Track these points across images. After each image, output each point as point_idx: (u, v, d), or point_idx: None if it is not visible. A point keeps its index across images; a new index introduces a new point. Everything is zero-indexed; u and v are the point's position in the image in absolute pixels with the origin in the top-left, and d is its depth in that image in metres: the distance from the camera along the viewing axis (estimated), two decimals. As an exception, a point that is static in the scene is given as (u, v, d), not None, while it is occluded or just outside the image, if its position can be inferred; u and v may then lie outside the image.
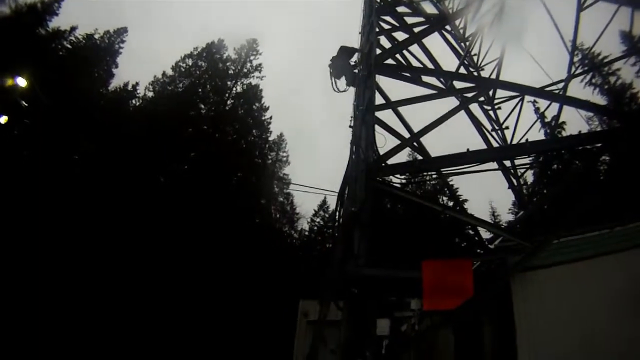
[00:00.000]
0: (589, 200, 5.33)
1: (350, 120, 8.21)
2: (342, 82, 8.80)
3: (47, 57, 26.30)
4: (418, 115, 8.26)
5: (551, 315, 5.34)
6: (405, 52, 10.00)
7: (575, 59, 11.06)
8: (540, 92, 8.70)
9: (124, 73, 49.14)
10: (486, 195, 38.71)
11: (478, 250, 11.60)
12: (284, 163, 37.04)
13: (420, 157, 8.91)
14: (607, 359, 4.85)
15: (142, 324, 18.26)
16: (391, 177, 7.40)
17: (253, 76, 35.67)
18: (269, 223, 32.25)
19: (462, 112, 8.52)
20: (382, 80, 8.07)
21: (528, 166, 11.66)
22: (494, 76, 11.05)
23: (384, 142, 7.15)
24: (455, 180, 18.77)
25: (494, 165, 9.05)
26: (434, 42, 10.55)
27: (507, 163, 9.95)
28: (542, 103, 15.35)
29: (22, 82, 16.58)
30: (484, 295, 5.42)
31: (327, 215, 33.03)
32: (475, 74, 11.81)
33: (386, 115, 7.91)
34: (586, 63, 18.04)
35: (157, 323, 18.74)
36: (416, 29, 9.70)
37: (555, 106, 11.11)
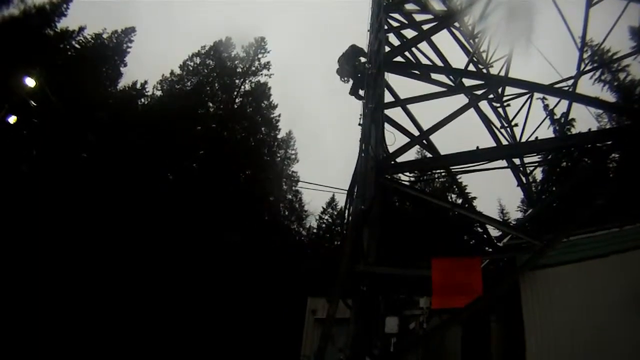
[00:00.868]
0: (599, 199, 5.28)
1: (360, 118, 8.24)
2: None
3: (56, 57, 26.51)
4: (427, 113, 8.25)
5: (560, 315, 5.35)
6: (414, 49, 9.97)
7: (585, 55, 10.99)
8: (549, 89, 8.68)
9: (133, 72, 49.47)
10: (495, 192, 38.46)
11: (487, 248, 11.58)
12: (292, 160, 37.00)
13: (429, 155, 8.88)
14: (616, 357, 4.84)
15: (150, 320, 18.42)
16: (400, 175, 7.41)
17: (261, 74, 35.56)
18: (278, 220, 32.29)
19: (472, 109, 8.48)
20: (392, 78, 8.04)
21: (537, 164, 11.62)
22: (502, 73, 11.02)
23: (394, 139, 7.12)
24: (463, 178, 18.78)
25: (503, 162, 9.06)
26: (443, 39, 10.49)
27: (517, 161, 9.94)
28: (552, 100, 15.33)
29: (31, 82, 16.72)
30: (492, 294, 5.39)
31: (335, 213, 33.08)
32: (484, 71, 11.77)
33: (395, 113, 7.93)
34: (595, 59, 17.87)
35: (164, 319, 18.90)
36: (425, 27, 9.63)
37: (564, 103, 11.10)
